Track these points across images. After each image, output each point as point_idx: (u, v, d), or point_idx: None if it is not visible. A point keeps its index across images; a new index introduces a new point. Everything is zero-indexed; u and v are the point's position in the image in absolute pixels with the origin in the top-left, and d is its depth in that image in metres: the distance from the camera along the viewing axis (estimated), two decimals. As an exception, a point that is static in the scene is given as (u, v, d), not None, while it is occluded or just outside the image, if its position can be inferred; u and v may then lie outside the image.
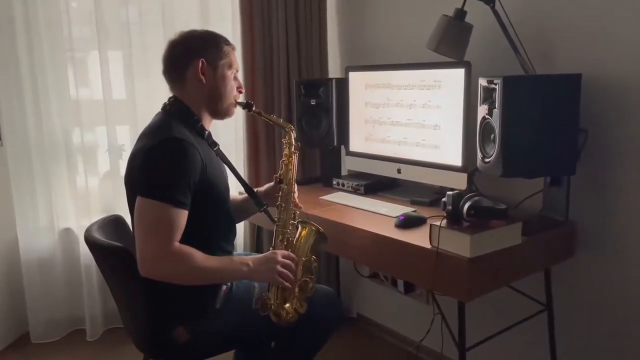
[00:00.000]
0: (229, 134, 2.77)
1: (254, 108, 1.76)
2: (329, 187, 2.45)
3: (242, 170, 2.67)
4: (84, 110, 2.67)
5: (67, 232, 2.73)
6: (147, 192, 1.48)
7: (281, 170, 1.78)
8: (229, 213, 1.74)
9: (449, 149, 2.03)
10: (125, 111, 2.69)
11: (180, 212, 1.49)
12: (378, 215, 1.97)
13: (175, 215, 1.48)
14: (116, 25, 2.62)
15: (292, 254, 1.64)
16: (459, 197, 1.58)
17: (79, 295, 2.74)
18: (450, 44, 1.93)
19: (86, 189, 2.74)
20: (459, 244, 1.52)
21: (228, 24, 2.63)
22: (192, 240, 1.52)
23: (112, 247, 1.58)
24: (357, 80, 2.38)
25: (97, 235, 1.68)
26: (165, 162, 1.49)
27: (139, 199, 1.49)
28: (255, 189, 1.87)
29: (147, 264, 1.47)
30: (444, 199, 1.63)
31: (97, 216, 2.56)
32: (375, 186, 2.34)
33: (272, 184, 1.87)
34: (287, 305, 1.61)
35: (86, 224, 1.92)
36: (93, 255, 1.70)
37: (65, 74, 2.60)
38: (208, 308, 1.61)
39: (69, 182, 2.69)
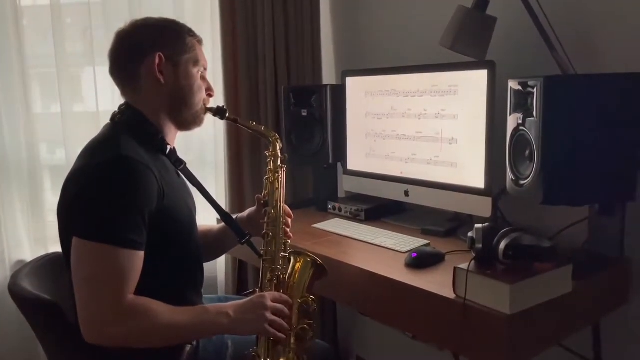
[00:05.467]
0: (209, 149, 2.48)
1: (227, 114, 1.47)
2: (323, 212, 2.19)
3: (224, 193, 2.40)
4: (40, 128, 2.37)
5: (21, 264, 2.35)
6: (86, 231, 1.16)
7: (266, 190, 1.48)
8: (196, 252, 1.41)
9: (468, 167, 1.76)
10: (89, 129, 2.38)
11: (132, 255, 1.17)
12: (383, 250, 1.68)
13: (127, 260, 1.16)
14: (80, 38, 2.37)
15: (284, 296, 1.34)
16: (491, 232, 1.24)
17: (34, 336, 2.38)
18: (470, 40, 1.69)
19: (43, 215, 2.42)
20: (495, 295, 1.18)
21: (206, 22, 2.38)
22: (145, 292, 1.19)
23: (37, 300, 1.24)
24: (356, 87, 2.14)
25: (26, 282, 1.33)
26: (109, 189, 1.18)
27: (75, 240, 1.16)
28: (234, 216, 1.56)
29: (92, 329, 1.15)
30: (470, 234, 1.29)
31: (56, 246, 2.27)
32: (379, 211, 2.07)
33: (254, 208, 1.56)
34: None
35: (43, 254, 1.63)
36: (20, 309, 1.35)
37: (22, 90, 2.31)
38: (167, 375, 1.28)
39: (23, 206, 2.37)
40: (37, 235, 2.40)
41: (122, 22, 1.41)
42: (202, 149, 2.47)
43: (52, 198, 2.47)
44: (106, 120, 2.24)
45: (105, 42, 2.31)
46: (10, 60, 2.29)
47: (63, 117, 2.33)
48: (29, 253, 2.38)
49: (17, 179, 2.35)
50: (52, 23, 2.26)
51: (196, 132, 1.53)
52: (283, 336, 1.29)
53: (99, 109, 2.37)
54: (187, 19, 2.34)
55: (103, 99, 2.36)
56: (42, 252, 2.30)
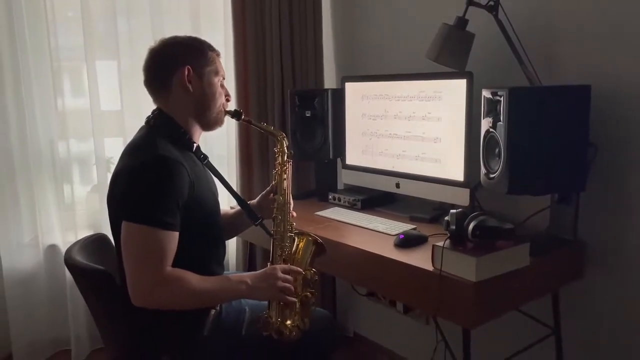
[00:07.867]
0: (221, 145, 2.68)
1: (243, 116, 1.69)
2: (324, 201, 2.38)
3: (235, 183, 2.59)
4: (71, 122, 2.57)
5: (53, 248, 2.61)
6: (132, 216, 1.39)
7: (274, 180, 1.70)
8: (219, 232, 1.65)
9: (450, 163, 1.95)
10: (114, 123, 2.60)
11: (169, 235, 1.40)
12: (376, 233, 1.89)
13: (165, 239, 1.39)
14: (105, 34, 2.54)
15: (293, 268, 1.56)
16: (462, 216, 1.49)
17: (64, 315, 2.62)
18: (451, 53, 1.86)
19: (72, 204, 2.64)
20: (464, 267, 1.43)
21: (220, 32, 2.56)
22: (179, 265, 1.43)
23: (92, 270, 1.48)
24: (354, 91, 2.31)
25: (79, 256, 1.57)
26: (151, 183, 1.41)
27: (124, 224, 1.40)
28: (248, 202, 1.79)
29: (140, 294, 1.38)
30: (446, 218, 1.54)
31: (84, 232, 2.50)
32: (373, 201, 2.26)
33: (264, 193, 1.79)
34: (289, 322, 1.52)
35: (72, 240, 1.83)
36: (74, 278, 1.60)
37: (51, 84, 2.50)
38: (195, 335, 1.51)
39: (55, 196, 2.58)
40: (67, 222, 2.60)
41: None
42: (217, 146, 2.64)
43: (80, 189, 2.69)
44: (130, 113, 2.44)
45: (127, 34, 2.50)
46: (43, 54, 2.44)
47: (92, 111, 2.49)
48: (60, 239, 2.59)
49: (49, 171, 2.54)
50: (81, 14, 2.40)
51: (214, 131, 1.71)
52: (293, 299, 1.51)
53: (123, 106, 2.55)
54: (202, 31, 2.56)
55: (126, 91, 2.52)
56: (72, 238, 2.54)
